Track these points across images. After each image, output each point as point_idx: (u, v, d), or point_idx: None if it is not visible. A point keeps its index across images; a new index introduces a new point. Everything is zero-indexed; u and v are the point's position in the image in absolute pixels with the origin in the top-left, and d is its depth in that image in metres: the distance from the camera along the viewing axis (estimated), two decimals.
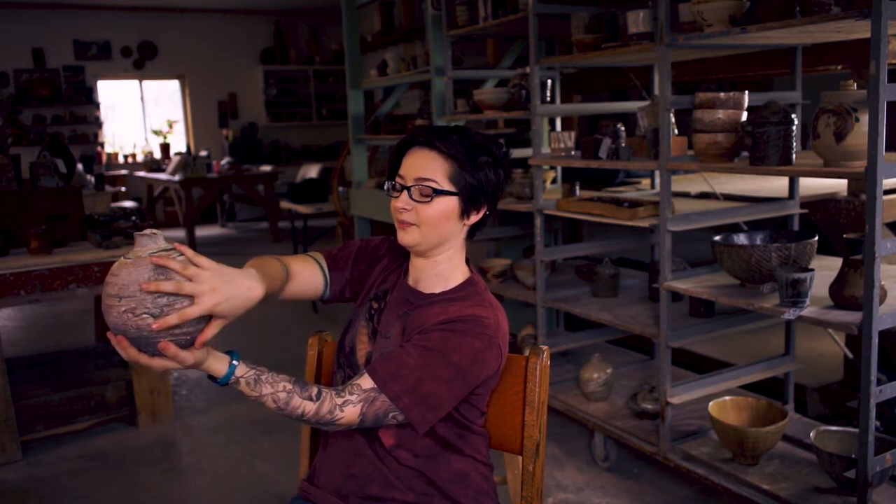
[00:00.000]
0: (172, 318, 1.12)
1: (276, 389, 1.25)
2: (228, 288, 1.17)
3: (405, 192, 1.36)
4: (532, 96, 2.95)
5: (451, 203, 1.36)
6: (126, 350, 1.15)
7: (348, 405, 1.27)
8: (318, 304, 5.43)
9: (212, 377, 1.23)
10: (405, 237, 1.38)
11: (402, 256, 1.52)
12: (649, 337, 2.65)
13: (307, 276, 1.46)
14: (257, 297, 1.23)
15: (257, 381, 1.25)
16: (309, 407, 1.26)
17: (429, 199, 1.34)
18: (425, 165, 1.35)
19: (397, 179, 1.38)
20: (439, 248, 1.41)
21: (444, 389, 1.30)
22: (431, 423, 1.32)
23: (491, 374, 1.37)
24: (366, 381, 1.29)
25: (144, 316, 1.13)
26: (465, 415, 1.40)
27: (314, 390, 1.27)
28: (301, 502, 1.48)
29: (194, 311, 1.13)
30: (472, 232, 1.44)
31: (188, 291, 1.12)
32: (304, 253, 1.53)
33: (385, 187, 1.41)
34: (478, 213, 1.40)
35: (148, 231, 1.18)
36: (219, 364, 1.22)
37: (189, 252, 1.17)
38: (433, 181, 1.34)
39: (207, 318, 1.18)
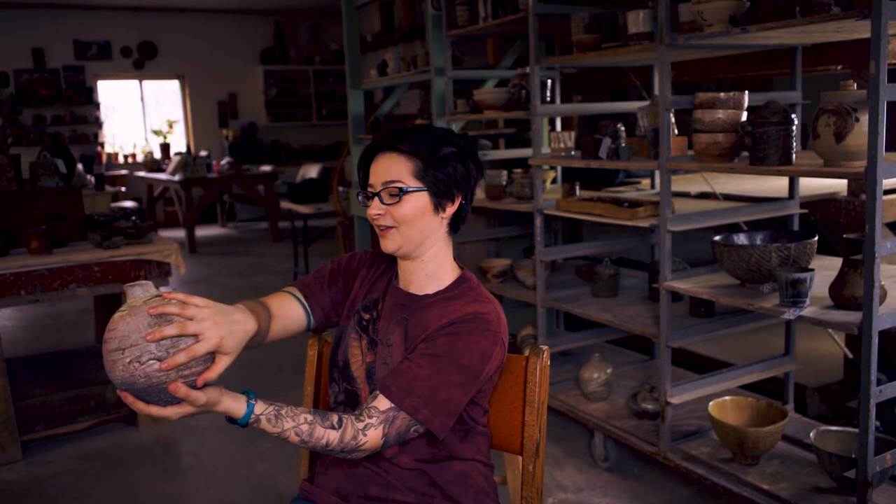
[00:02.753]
0: (180, 357, 1.12)
1: (297, 423, 1.25)
2: (228, 321, 1.18)
3: (376, 198, 1.37)
4: (532, 96, 2.95)
5: (421, 199, 1.37)
6: (134, 404, 1.14)
7: (370, 428, 1.27)
8: None
9: (231, 420, 1.22)
10: (387, 244, 1.39)
11: (383, 264, 1.52)
12: (649, 337, 2.65)
13: (286, 310, 1.46)
14: (252, 330, 1.24)
15: (278, 417, 1.24)
16: (332, 436, 1.26)
17: (397, 198, 1.35)
18: (389, 168, 1.36)
19: (368, 188, 1.40)
20: (423, 247, 1.41)
21: (459, 393, 1.32)
22: (450, 427, 1.33)
23: (497, 368, 1.39)
24: (382, 402, 1.29)
25: (151, 362, 1.13)
26: (471, 414, 1.41)
27: (334, 418, 1.27)
28: (301, 502, 1.48)
29: (202, 348, 1.13)
30: (455, 226, 1.45)
31: (192, 331, 1.13)
32: (281, 290, 1.52)
33: (358, 198, 1.43)
34: (452, 204, 1.41)
35: (137, 282, 1.20)
36: (236, 404, 1.21)
37: (181, 295, 1.18)
38: (399, 181, 1.35)
39: (211, 358, 1.19)
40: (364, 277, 1.52)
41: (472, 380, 1.33)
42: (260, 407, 1.23)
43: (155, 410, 1.15)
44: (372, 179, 1.39)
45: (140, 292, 1.19)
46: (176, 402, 1.15)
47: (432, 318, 1.37)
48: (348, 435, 1.26)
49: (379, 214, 1.37)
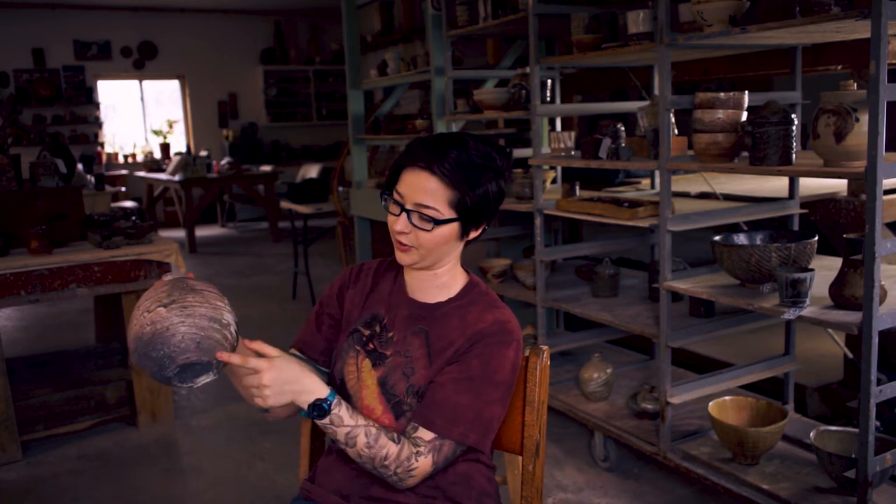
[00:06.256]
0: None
1: (368, 423, 1.28)
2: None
3: (405, 216, 1.33)
4: (532, 96, 2.95)
5: (451, 228, 1.34)
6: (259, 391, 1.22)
7: (420, 456, 1.30)
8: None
9: (312, 407, 1.26)
10: (405, 258, 1.38)
11: (370, 276, 1.50)
12: (649, 337, 2.65)
13: None
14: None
15: (354, 409, 1.29)
16: (392, 449, 1.29)
17: (430, 227, 1.32)
18: (425, 188, 1.30)
19: (395, 196, 1.35)
20: (438, 264, 1.40)
21: (498, 409, 1.35)
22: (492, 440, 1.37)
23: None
24: (425, 434, 1.30)
25: (159, 309, 1.14)
26: None
27: (393, 433, 1.30)
28: (302, 502, 1.47)
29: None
30: (470, 242, 1.44)
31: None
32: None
33: (382, 199, 1.38)
34: (477, 229, 1.39)
35: (170, 272, 1.29)
36: (319, 385, 1.27)
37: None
38: (434, 210, 1.31)
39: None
40: (353, 296, 1.49)
41: (507, 392, 1.36)
42: (338, 397, 1.28)
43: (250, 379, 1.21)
44: (402, 189, 1.33)
45: (171, 277, 1.27)
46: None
47: (454, 329, 1.37)
48: (404, 454, 1.29)
49: (405, 233, 1.34)
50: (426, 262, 1.38)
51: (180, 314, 1.15)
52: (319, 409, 1.25)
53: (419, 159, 1.31)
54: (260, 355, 1.25)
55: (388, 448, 1.28)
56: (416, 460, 1.29)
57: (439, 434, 1.30)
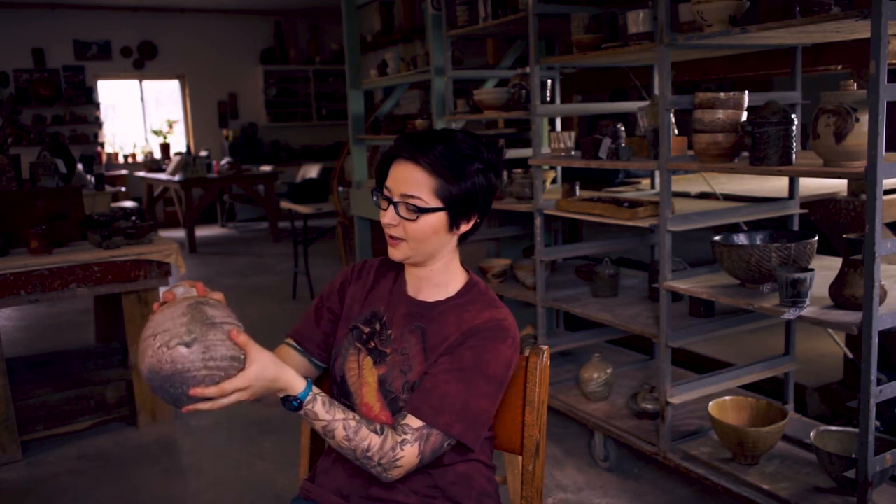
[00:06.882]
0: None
1: (347, 416, 1.27)
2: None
3: (392, 208, 1.35)
4: (532, 96, 2.95)
5: (438, 218, 1.34)
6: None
7: (406, 444, 1.28)
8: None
9: (285, 399, 1.26)
10: (395, 253, 1.38)
11: (371, 274, 1.51)
12: (649, 337, 2.65)
13: (286, 359, 1.47)
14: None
15: (332, 404, 1.28)
16: (375, 440, 1.27)
17: (415, 216, 1.33)
18: (410, 179, 1.32)
19: (384, 191, 1.37)
20: (433, 259, 1.41)
21: (488, 403, 1.34)
22: (482, 438, 1.36)
23: (514, 372, 1.41)
24: (413, 421, 1.30)
25: (179, 347, 1.14)
26: None
27: (377, 425, 1.29)
28: (302, 502, 1.47)
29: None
30: (465, 237, 1.44)
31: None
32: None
33: (373, 197, 1.40)
34: (468, 222, 1.39)
35: (179, 283, 1.27)
36: (295, 380, 1.26)
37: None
38: (418, 198, 1.32)
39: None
40: (354, 293, 1.50)
41: (499, 389, 1.35)
42: (317, 389, 1.27)
43: (205, 405, 1.18)
44: (390, 183, 1.35)
45: (182, 292, 1.25)
46: (198, 399, 1.17)
47: (450, 326, 1.37)
48: (388, 444, 1.27)
49: (392, 225, 1.35)
50: (418, 255, 1.38)
51: (202, 356, 1.15)
52: (290, 404, 1.26)
53: (404, 151, 1.33)
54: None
55: (370, 440, 1.27)
56: (402, 449, 1.28)
57: (425, 422, 1.29)
